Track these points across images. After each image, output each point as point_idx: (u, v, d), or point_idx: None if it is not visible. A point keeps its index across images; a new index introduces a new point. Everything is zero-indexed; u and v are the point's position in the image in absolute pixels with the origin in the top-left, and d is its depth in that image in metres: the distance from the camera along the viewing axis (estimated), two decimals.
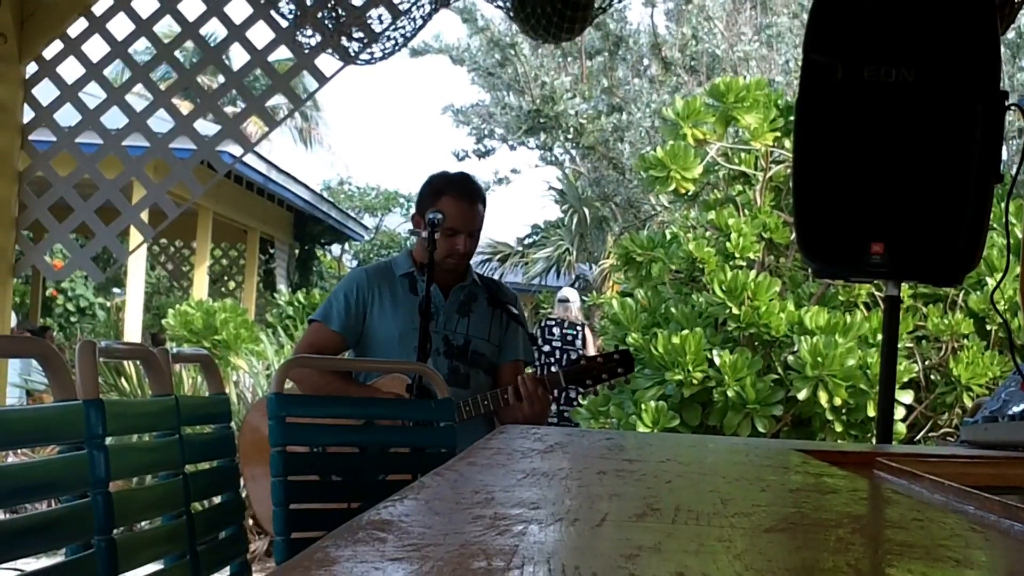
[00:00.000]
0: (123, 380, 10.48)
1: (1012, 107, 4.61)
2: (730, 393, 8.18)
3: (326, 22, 6.48)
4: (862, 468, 2.72)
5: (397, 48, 6.57)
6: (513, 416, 4.56)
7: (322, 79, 6.60)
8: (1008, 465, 2.95)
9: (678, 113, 9.60)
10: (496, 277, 29.68)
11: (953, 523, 1.81)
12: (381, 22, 6.51)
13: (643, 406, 8.29)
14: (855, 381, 8.03)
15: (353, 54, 6.49)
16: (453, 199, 4.71)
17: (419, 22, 6.55)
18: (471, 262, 4.93)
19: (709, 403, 8.42)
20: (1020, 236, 7.98)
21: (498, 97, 26.33)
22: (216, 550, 3.43)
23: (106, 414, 2.62)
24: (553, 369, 4.85)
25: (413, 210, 4.94)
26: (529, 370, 5.00)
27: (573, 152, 27.61)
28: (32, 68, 6.69)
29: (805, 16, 4.98)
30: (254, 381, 11.24)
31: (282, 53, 6.90)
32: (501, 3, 6.51)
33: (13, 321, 16.02)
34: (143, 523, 3.23)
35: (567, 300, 15.36)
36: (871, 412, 7.95)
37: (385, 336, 4.71)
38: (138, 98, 6.93)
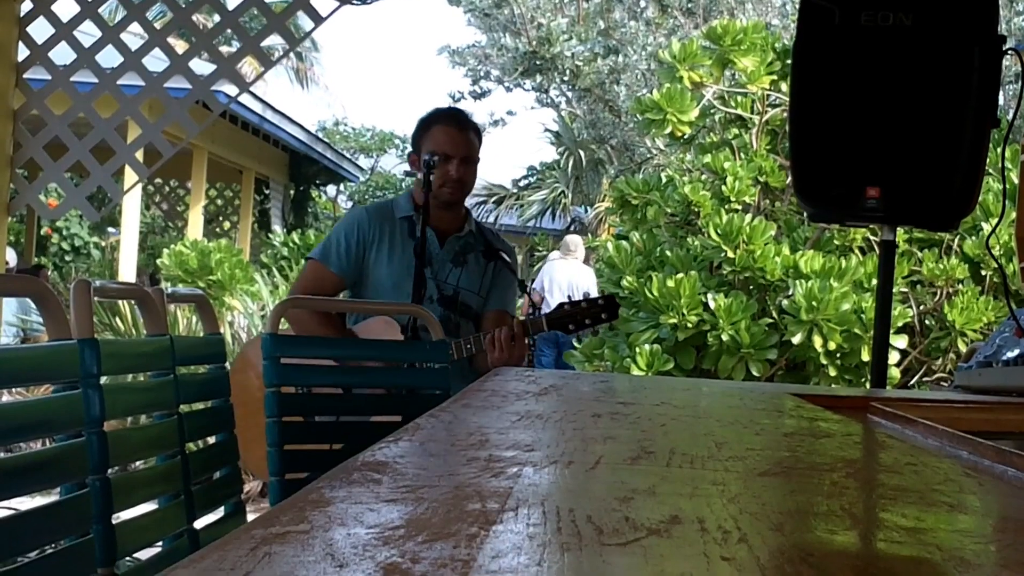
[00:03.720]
0: (118, 320, 10.49)
1: (1009, 52, 4.59)
2: (724, 337, 8.19)
3: None
4: (856, 412, 2.72)
5: None
6: (485, 363, 4.56)
7: (318, 19, 6.57)
8: (1002, 410, 2.95)
9: (675, 56, 9.57)
10: (491, 219, 29.77)
11: (947, 468, 1.82)
12: None
13: (637, 349, 8.30)
14: (849, 326, 8.04)
15: None
16: (442, 127, 4.74)
17: None
18: (469, 204, 4.92)
19: (703, 347, 8.44)
20: (1016, 181, 7.97)
21: (494, 38, 26.26)
22: (210, 490, 3.44)
23: (101, 353, 2.62)
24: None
25: (410, 150, 4.94)
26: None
27: (569, 94, 27.58)
28: (27, 6, 6.64)
29: None
30: (248, 321, 11.25)
31: None
32: None
33: (11, 257, 16.03)
34: (138, 463, 3.24)
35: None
36: (865, 357, 7.97)
37: (380, 281, 4.70)
38: (133, 37, 6.89)
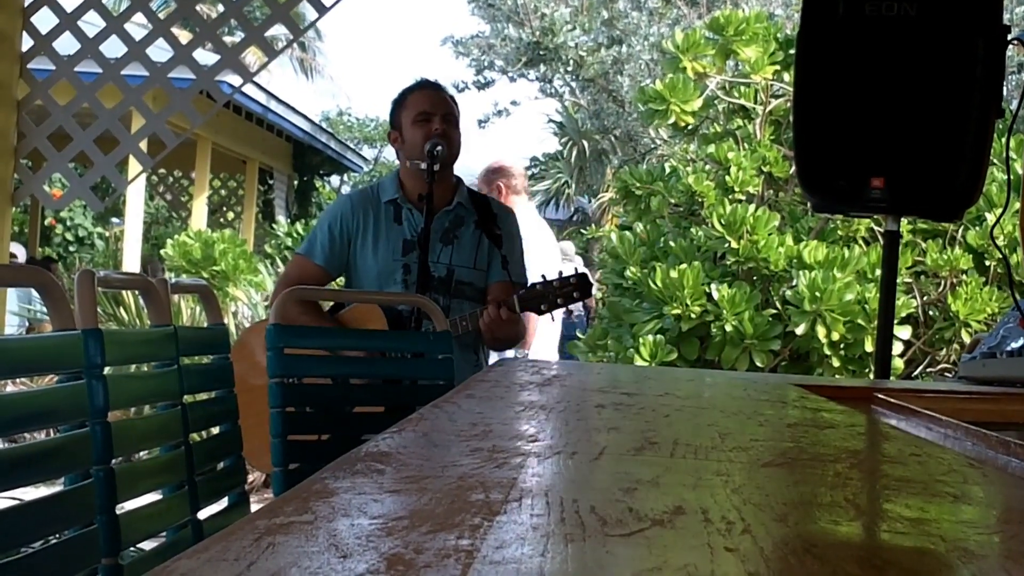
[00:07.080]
0: (122, 310, 10.49)
1: (1013, 42, 4.59)
2: (728, 327, 8.19)
3: None
4: (860, 403, 2.72)
5: None
6: (487, 339, 4.59)
7: (322, 9, 6.55)
8: (1006, 401, 2.95)
9: (678, 46, 9.57)
10: None
11: (951, 459, 1.82)
12: None
13: (641, 340, 8.30)
14: (853, 316, 8.04)
15: None
16: (417, 92, 4.76)
17: None
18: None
19: (707, 337, 8.43)
20: (1020, 171, 7.97)
21: (498, 28, 26.27)
22: (214, 480, 3.43)
23: (105, 344, 2.62)
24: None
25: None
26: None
27: (573, 84, 27.60)
28: None
29: None
30: (252, 312, 11.26)
31: None
32: None
33: (20, 253, 16.04)
34: (141, 453, 3.23)
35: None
36: (869, 347, 7.96)
37: (366, 269, 4.65)
38: (137, 27, 6.89)
